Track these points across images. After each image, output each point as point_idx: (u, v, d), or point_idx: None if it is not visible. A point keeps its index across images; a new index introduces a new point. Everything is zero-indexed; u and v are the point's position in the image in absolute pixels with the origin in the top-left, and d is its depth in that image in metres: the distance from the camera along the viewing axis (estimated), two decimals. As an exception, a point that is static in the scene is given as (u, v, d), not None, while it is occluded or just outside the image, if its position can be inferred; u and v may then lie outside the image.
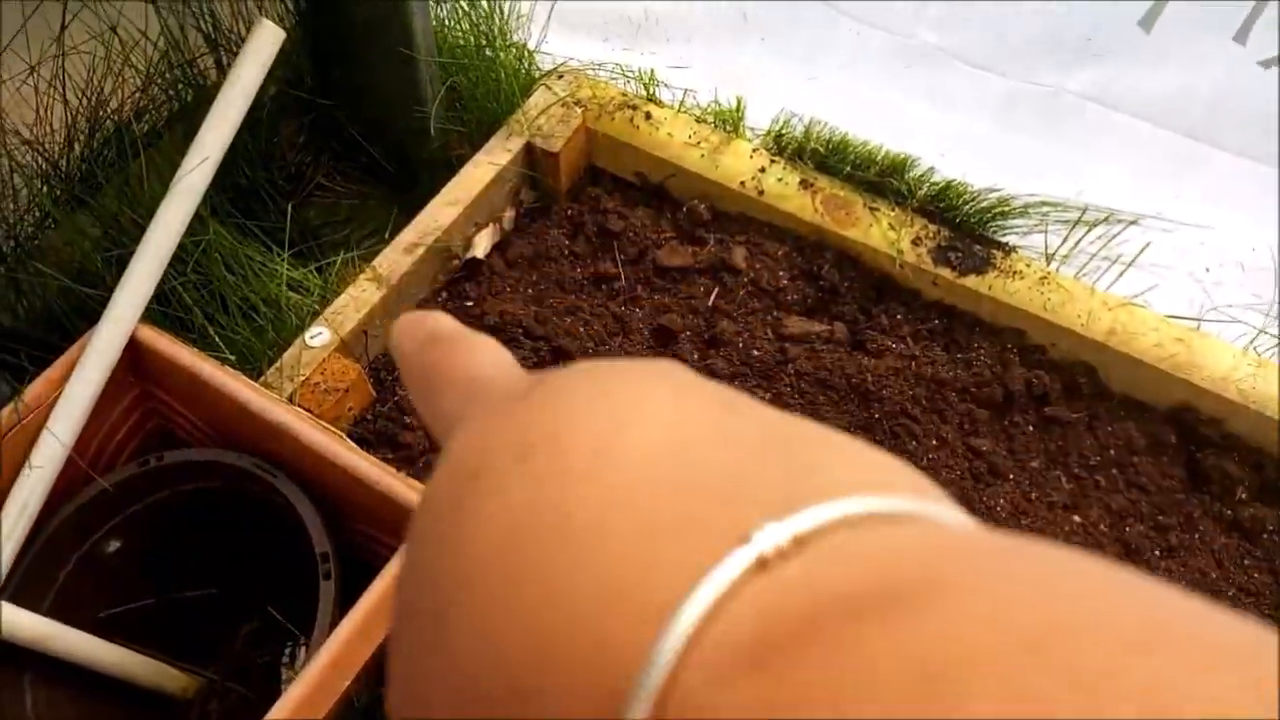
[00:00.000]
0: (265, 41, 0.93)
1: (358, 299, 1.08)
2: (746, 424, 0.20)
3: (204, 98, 1.19)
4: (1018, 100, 1.38)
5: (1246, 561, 0.98)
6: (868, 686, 0.13)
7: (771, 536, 0.16)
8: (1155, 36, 1.37)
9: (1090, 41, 1.39)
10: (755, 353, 1.11)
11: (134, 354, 0.94)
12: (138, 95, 1.17)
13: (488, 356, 0.28)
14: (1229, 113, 1.33)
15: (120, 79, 1.13)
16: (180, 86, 1.19)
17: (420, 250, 1.12)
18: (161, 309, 1.00)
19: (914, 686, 0.13)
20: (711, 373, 1.09)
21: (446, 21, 1.26)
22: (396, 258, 1.11)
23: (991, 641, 0.13)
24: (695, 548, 0.16)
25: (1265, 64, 1.28)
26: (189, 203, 0.89)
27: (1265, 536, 0.99)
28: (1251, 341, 1.02)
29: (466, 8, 1.22)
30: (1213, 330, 1.04)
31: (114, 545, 0.97)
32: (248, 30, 1.07)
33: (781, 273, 1.15)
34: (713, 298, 1.15)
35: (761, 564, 0.16)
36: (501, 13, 1.22)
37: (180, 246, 1.00)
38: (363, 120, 1.29)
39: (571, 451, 0.19)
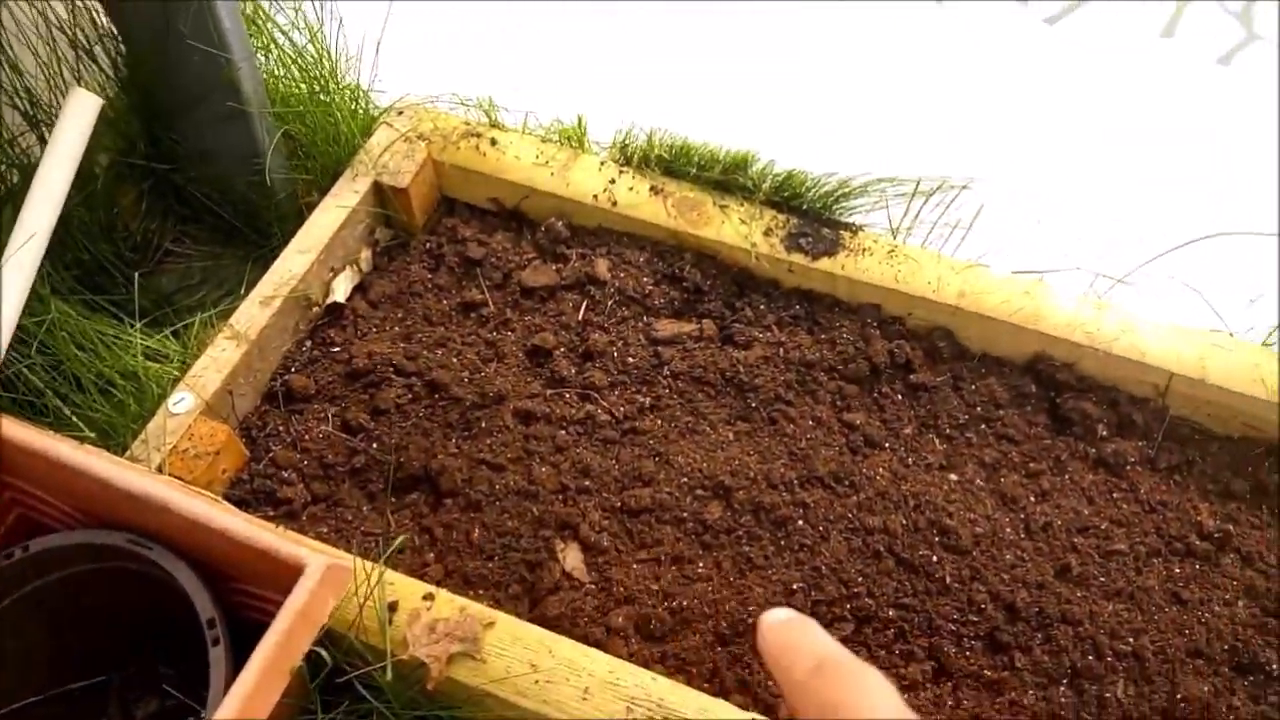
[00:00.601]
0: (83, 109, 0.90)
1: (218, 359, 1.06)
2: None
3: (31, 177, 1.15)
4: (840, 84, 1.43)
5: (1115, 494, 1.03)
6: None
7: None
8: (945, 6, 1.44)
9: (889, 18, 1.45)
10: (630, 359, 1.12)
11: (-17, 446, 0.90)
12: (-42, 182, 1.13)
13: (885, 706, 0.31)
14: (1022, 71, 1.40)
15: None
16: (3, 168, 1.15)
17: (278, 301, 1.10)
18: (9, 395, 0.96)
19: None
20: (590, 385, 1.10)
21: (276, 71, 1.24)
22: (254, 312, 1.09)
23: None
24: None
25: (1050, 21, 1.35)
26: (21, 281, 0.86)
27: (1128, 468, 1.04)
28: (1091, 284, 1.07)
29: (294, 55, 1.21)
30: (1054, 280, 1.09)
31: (-13, 645, 0.93)
32: (67, 100, 1.04)
33: (645, 279, 1.17)
34: (582, 311, 1.16)
35: None
36: (330, 56, 1.21)
37: (22, 328, 0.96)
38: (204, 181, 1.26)
39: None
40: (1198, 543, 0.99)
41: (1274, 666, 0.92)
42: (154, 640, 0.97)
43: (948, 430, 1.07)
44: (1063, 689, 0.92)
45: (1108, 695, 0.92)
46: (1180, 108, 1.55)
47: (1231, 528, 1.00)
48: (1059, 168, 1.28)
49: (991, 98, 1.39)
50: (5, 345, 0.86)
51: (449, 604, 0.90)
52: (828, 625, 0.95)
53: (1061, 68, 1.40)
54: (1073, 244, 1.14)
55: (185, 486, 0.90)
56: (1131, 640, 0.93)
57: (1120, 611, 0.95)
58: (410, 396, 1.10)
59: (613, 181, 1.19)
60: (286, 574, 0.83)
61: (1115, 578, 0.97)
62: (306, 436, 1.08)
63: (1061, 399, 1.07)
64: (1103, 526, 1.00)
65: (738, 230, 1.15)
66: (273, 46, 1.22)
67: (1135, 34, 1.65)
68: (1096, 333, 1.05)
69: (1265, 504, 1.03)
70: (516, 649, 0.87)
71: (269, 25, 1.21)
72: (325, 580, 0.83)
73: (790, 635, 0.35)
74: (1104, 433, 1.05)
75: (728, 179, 1.16)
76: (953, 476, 1.04)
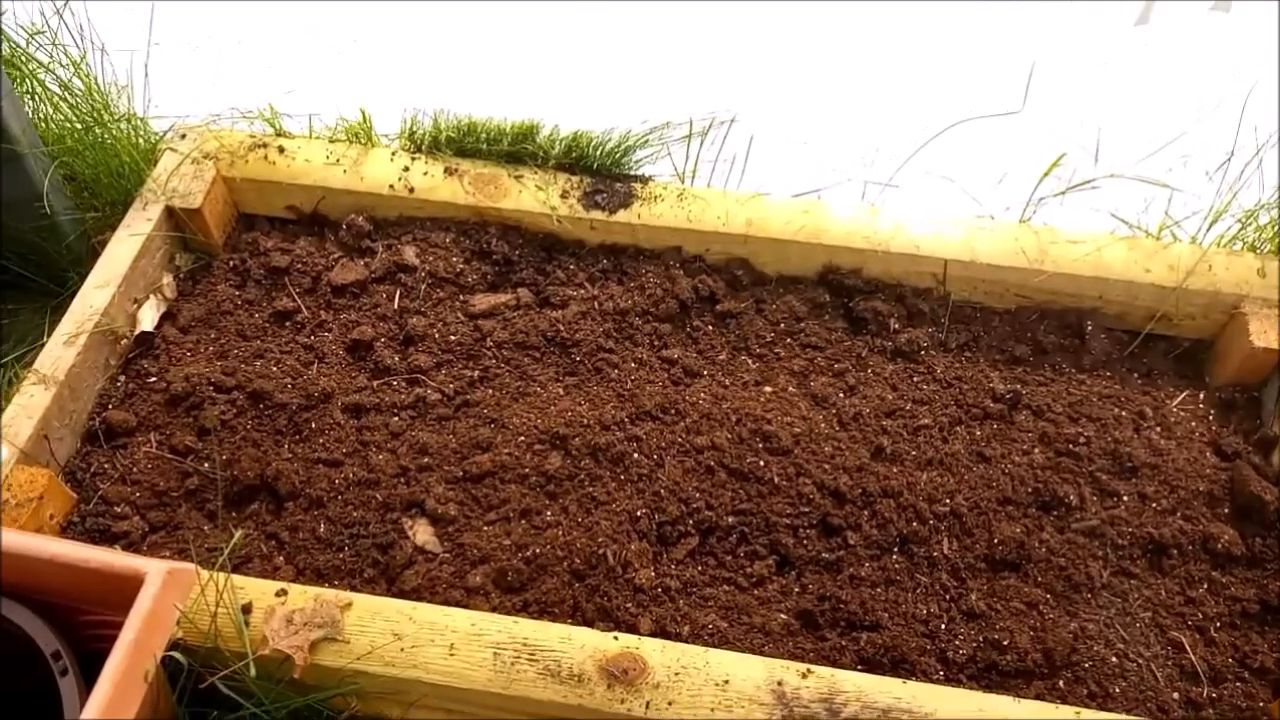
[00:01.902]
0: None
1: (27, 405, 1.03)
2: None
3: None
4: (604, 42, 1.48)
5: (915, 378, 1.12)
6: None
7: None
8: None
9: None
10: (452, 338, 1.15)
11: None
12: None
13: None
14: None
15: None
16: None
17: (82, 339, 1.08)
18: None
19: None
20: (416, 368, 1.12)
21: (46, 112, 1.21)
22: (59, 353, 1.07)
23: None
24: None
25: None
26: None
27: (922, 353, 1.13)
28: (862, 193, 1.16)
29: (61, 92, 1.19)
30: (829, 195, 1.17)
31: None
32: None
33: (455, 258, 1.20)
34: (396, 300, 1.18)
35: None
36: (99, 88, 1.19)
37: None
38: (-14, 235, 1.22)
39: None
40: (993, 406, 1.09)
41: (1072, 499, 1.02)
42: (10, 700, 0.94)
43: (757, 349, 1.14)
44: (895, 556, 0.99)
45: (935, 554, 0.99)
46: (895, 12, 1.64)
47: (1020, 388, 1.10)
48: (812, 90, 1.37)
49: (737, 34, 1.47)
50: None
51: (302, 595, 0.90)
52: (674, 543, 1.00)
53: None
54: (840, 158, 1.22)
55: (8, 528, 0.87)
56: (948, 501, 1.01)
57: (934, 478, 1.03)
58: (234, 411, 1.10)
59: (406, 169, 1.21)
60: (128, 589, 0.82)
61: (925, 450, 1.05)
62: (135, 469, 1.07)
63: (854, 302, 1.16)
64: (907, 408, 1.09)
65: (536, 197, 1.19)
66: (38, 87, 1.20)
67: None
68: (874, 236, 1.14)
69: (1046, 363, 1.13)
70: (377, 623, 0.89)
71: (30, 65, 1.19)
72: (168, 584, 0.82)
73: None
74: (896, 326, 1.14)
75: (518, 149, 1.20)
76: (768, 389, 1.10)
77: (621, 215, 1.18)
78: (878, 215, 1.15)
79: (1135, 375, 1.14)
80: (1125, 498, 1.03)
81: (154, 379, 1.13)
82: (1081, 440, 1.06)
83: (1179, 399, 1.11)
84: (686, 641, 0.91)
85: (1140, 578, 0.99)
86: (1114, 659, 0.94)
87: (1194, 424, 1.09)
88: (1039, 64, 1.23)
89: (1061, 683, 0.93)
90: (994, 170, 1.24)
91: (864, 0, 1.64)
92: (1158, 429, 1.09)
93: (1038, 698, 0.91)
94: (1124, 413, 1.10)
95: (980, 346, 1.14)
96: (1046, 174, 1.14)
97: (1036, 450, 1.06)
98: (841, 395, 1.10)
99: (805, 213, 1.16)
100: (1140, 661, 0.94)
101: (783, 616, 0.97)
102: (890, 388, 1.11)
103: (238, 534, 0.99)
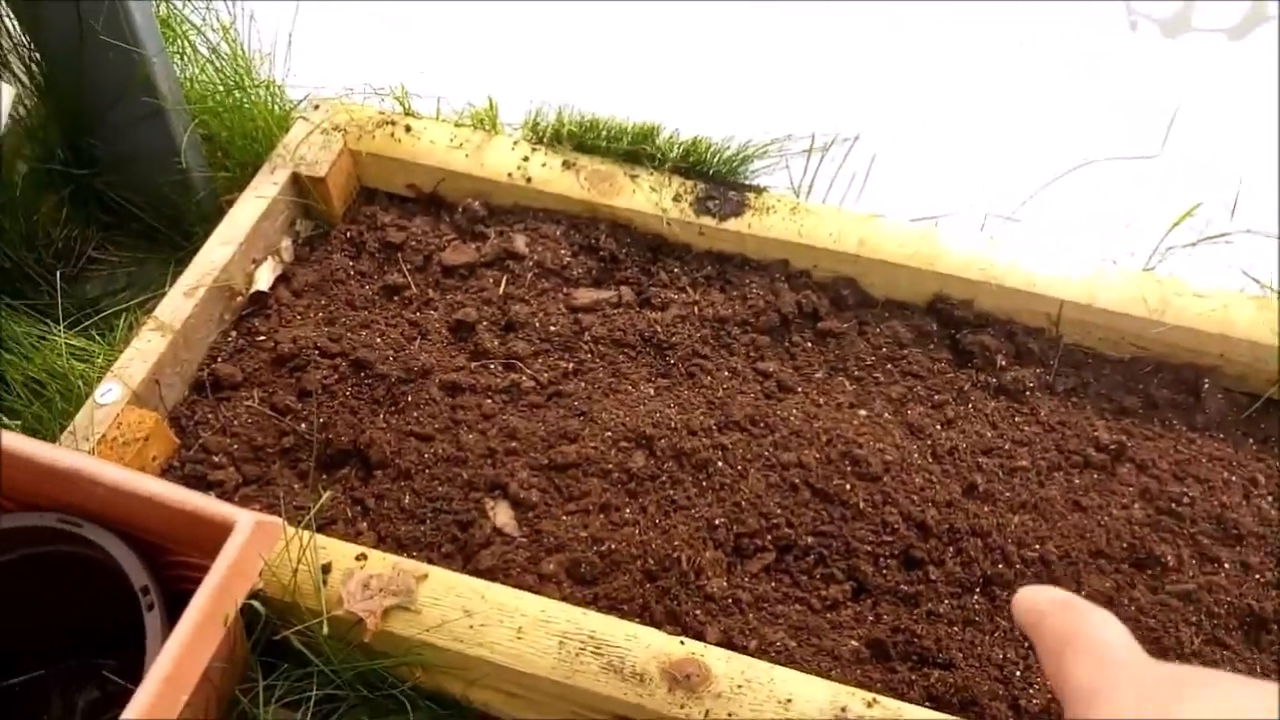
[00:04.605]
0: (-7, 100, 0.92)
1: (144, 350, 1.07)
2: None
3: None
4: (735, 51, 1.48)
5: (1017, 418, 1.09)
6: None
7: None
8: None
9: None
10: (552, 328, 1.16)
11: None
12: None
13: (1112, 635, 0.37)
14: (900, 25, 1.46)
15: None
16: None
17: (201, 292, 1.12)
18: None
19: None
20: (514, 354, 1.13)
21: (192, 73, 1.27)
22: (178, 303, 1.11)
23: None
24: None
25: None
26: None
27: (1027, 393, 1.10)
28: (981, 224, 1.13)
29: (209, 55, 1.24)
30: (947, 222, 1.15)
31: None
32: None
33: (563, 250, 1.21)
34: (502, 286, 1.19)
35: None
36: (244, 54, 1.24)
37: (-58, 325, 0.97)
38: (125, 185, 1.28)
39: None
40: (1095, 455, 1.05)
41: (1169, 559, 0.97)
42: (93, 630, 0.97)
43: (856, 371, 1.12)
44: (976, 596, 0.96)
45: (1020, 603, 0.96)
46: (1043, 44, 1.61)
47: (1126, 440, 1.06)
48: (939, 115, 1.35)
49: (871, 51, 1.45)
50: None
51: (381, 561, 0.92)
52: (750, 556, 0.99)
53: (933, 19, 1.47)
54: (962, 186, 1.20)
55: (108, 461, 0.91)
56: (1038, 547, 0.98)
57: (1026, 522, 1.00)
58: (336, 377, 1.12)
59: (526, 159, 1.23)
60: (218, 534, 0.85)
61: (1019, 491, 1.02)
62: (235, 422, 1.10)
63: (961, 334, 1.13)
64: (1006, 447, 1.06)
65: (649, 198, 1.19)
66: (188, 48, 1.25)
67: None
68: (989, 268, 1.11)
69: (1156, 417, 1.09)
70: (450, 598, 0.90)
71: (183, 27, 1.24)
72: (255, 535, 0.85)
73: (1042, 590, 0.43)
74: (1003, 363, 1.11)
75: (636, 150, 1.21)
76: (862, 412, 1.09)
77: (732, 223, 1.17)
78: (995, 248, 1.12)
79: (1250, 440, 1.08)
80: (1227, 565, 0.98)
81: (263, 337, 1.17)
82: (1185, 500, 1.02)
83: (1296, 470, 1.06)
84: (753, 655, 0.90)
85: (1234, 649, 0.94)
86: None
87: (1311, 499, 1.04)
88: (1183, 107, 1.19)
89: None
90: (1123, 214, 1.20)
91: (1006, 30, 1.61)
92: (1269, 498, 1.03)
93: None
94: (1234, 477, 1.05)
95: (1088, 393, 1.10)
96: (1178, 223, 1.10)
97: (1136, 506, 1.02)
98: (938, 427, 1.07)
99: (921, 238, 1.13)
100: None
101: (853, 643, 0.95)
102: (990, 425, 1.08)
103: (326, 494, 1.02)
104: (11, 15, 1.17)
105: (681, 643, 0.87)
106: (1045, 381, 1.11)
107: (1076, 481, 1.04)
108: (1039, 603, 0.41)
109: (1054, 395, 1.10)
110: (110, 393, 1.04)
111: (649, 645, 0.86)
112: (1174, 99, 1.33)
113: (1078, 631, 0.38)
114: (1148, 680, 0.33)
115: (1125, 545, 0.99)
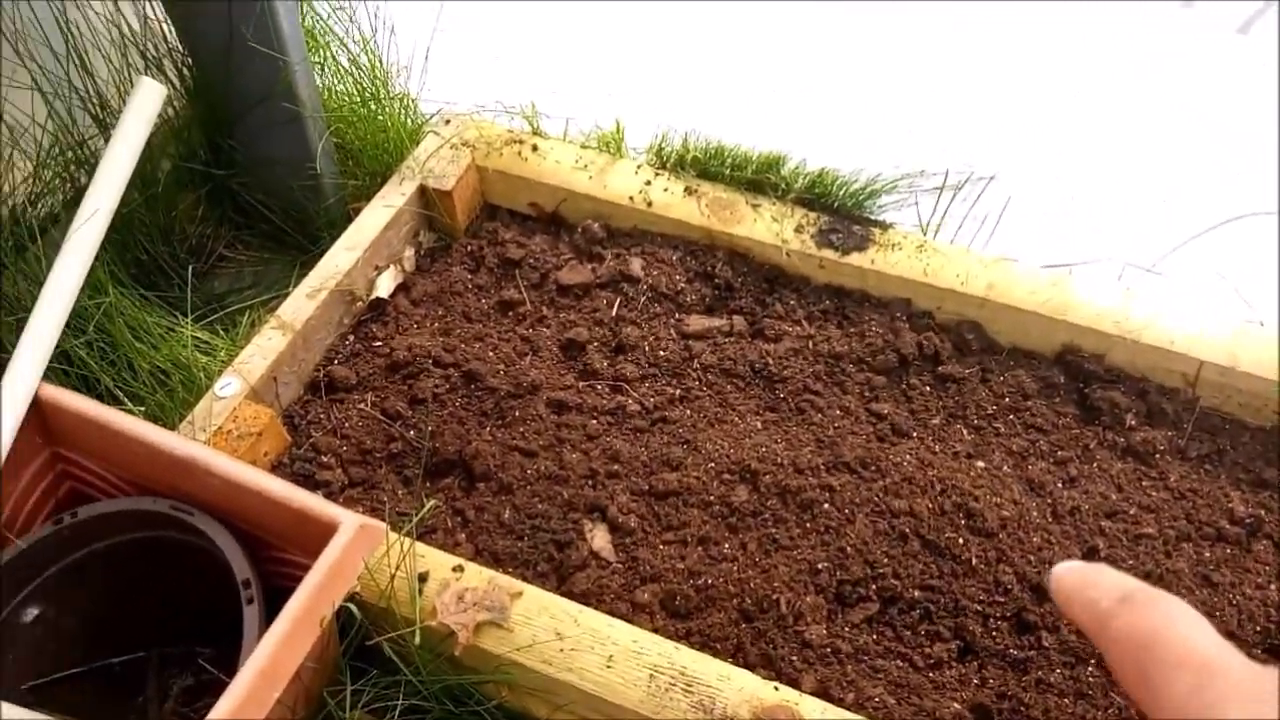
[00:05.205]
0: (147, 98, 0.96)
1: (264, 347, 1.10)
2: None
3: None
4: (866, 83, 1.46)
5: (1144, 482, 1.03)
6: None
7: None
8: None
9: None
10: (661, 353, 1.15)
11: (40, 415, 0.94)
12: (30, 181, 1.19)
13: (1202, 636, 0.33)
14: (1040, 60, 1.41)
15: (9, 164, 1.15)
16: (72, 169, 1.21)
17: (323, 295, 1.14)
18: (64, 369, 1.01)
19: None
20: (622, 376, 1.13)
21: (330, 82, 1.30)
22: (300, 304, 1.14)
23: None
24: None
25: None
26: (84, 256, 0.91)
27: (1157, 457, 1.04)
28: (1119, 274, 1.08)
29: (349, 65, 1.27)
30: (1081, 271, 1.10)
31: (31, 613, 0.96)
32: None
33: (678, 276, 1.20)
34: (615, 308, 1.19)
35: None
36: (382, 66, 1.27)
37: (81, 308, 1.01)
38: (259, 186, 1.32)
39: None
40: (1229, 528, 0.98)
41: (1309, 649, 0.90)
42: (193, 618, 0.99)
43: (975, 420, 1.08)
44: (1090, 669, 0.91)
45: (1139, 680, 0.90)
46: (1197, 87, 1.54)
47: (1263, 514, 0.99)
48: (1081, 157, 1.30)
49: (1012, 88, 1.41)
50: (65, 315, 0.91)
51: (478, 575, 0.92)
52: (853, 605, 0.95)
53: (1079, 56, 1.42)
54: (1100, 234, 1.15)
55: (223, 453, 0.93)
56: (1162, 622, 0.92)
57: (1150, 594, 0.94)
58: (447, 387, 1.13)
59: (648, 183, 1.22)
60: (322, 534, 0.86)
61: (1144, 560, 0.96)
62: (346, 424, 1.12)
63: (1090, 389, 1.07)
64: (1131, 512, 1.00)
65: (769, 228, 1.17)
66: (329, 58, 1.29)
67: (1151, 12, 1.64)
68: (1124, 322, 1.06)
69: (1300, 493, 1.01)
70: (543, 619, 0.89)
71: (326, 38, 1.28)
72: (358, 538, 0.85)
73: (1089, 574, 0.38)
74: (1133, 422, 1.05)
75: (760, 179, 1.19)
76: (980, 464, 1.04)
77: (854, 258, 1.14)
78: (1132, 301, 1.07)
79: (1404, 525, 1.00)
80: (1374, 659, 0.91)
81: (379, 343, 1.18)
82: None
83: None
84: (849, 709, 0.86)
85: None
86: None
87: None
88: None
89: None
90: (1272, 273, 1.13)
91: (1159, 73, 1.54)
92: None
93: None
94: (1382, 566, 0.97)
95: (1224, 461, 1.04)
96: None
97: (1273, 586, 0.95)
98: (1060, 485, 1.02)
99: (1053, 285, 1.09)
100: None
101: (956, 706, 0.90)
102: (1116, 487, 1.02)
103: (430, 503, 1.02)
104: (168, 19, 1.22)
105: (776, 689, 0.84)
106: (1177, 446, 1.04)
107: (1207, 555, 0.97)
108: (1093, 599, 0.36)
109: (1186, 461, 1.04)
110: (229, 386, 1.07)
111: (741, 688, 0.84)
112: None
113: (1158, 634, 0.33)
114: (1261, 689, 0.29)
115: (1259, 629, 0.92)
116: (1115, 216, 1.15)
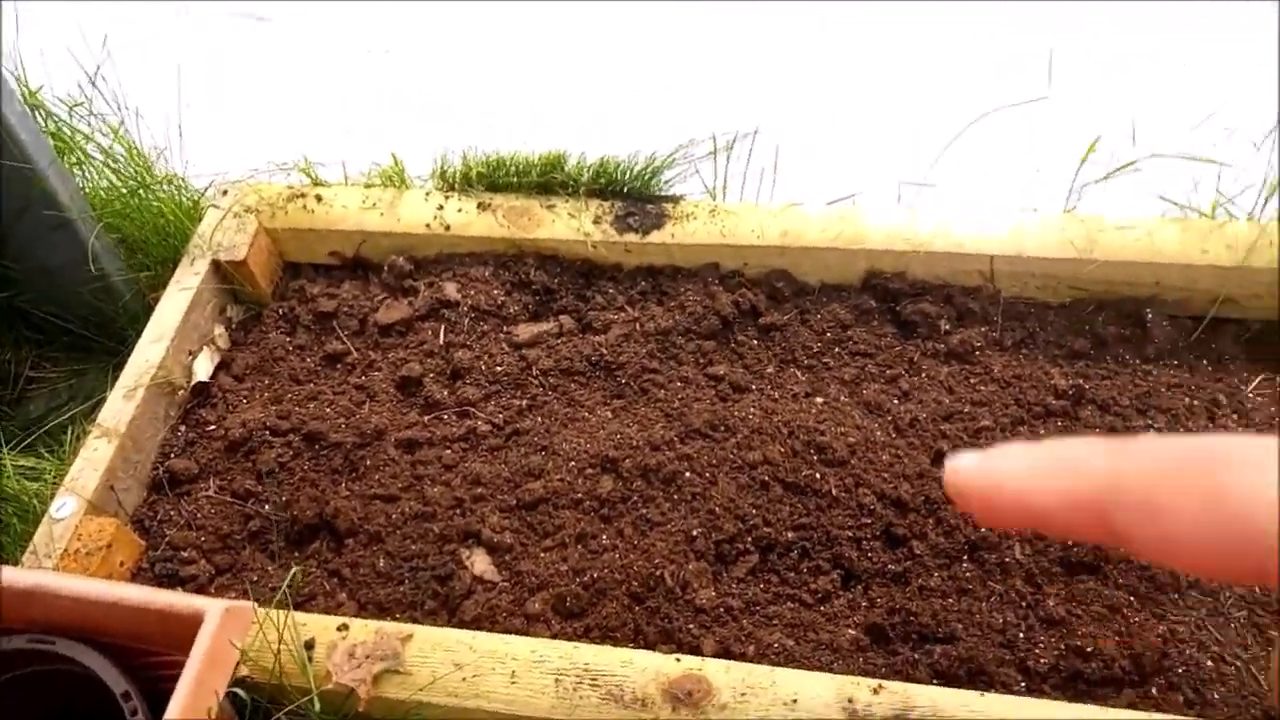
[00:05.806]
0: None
1: (92, 459, 1.05)
2: None
3: None
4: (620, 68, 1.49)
5: (971, 380, 1.09)
6: None
7: None
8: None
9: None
10: (499, 369, 1.15)
11: None
12: None
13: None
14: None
15: None
16: None
17: (140, 392, 1.10)
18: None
19: None
20: (465, 400, 1.13)
21: (93, 180, 1.25)
22: (119, 407, 1.09)
23: None
24: None
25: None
26: None
27: (977, 353, 1.11)
28: (897, 196, 1.14)
29: (104, 159, 1.22)
30: (863, 199, 1.16)
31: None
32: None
33: (496, 291, 1.20)
34: (441, 336, 1.19)
35: None
36: (140, 152, 1.23)
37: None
38: (47, 300, 1.26)
39: None
40: (1055, 402, 1.06)
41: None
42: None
43: (805, 360, 1.13)
44: (965, 564, 0.97)
45: (1007, 560, 0.96)
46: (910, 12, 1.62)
47: (1083, 382, 1.07)
48: (833, 96, 1.36)
49: (749, 49, 1.47)
50: None
51: (363, 628, 0.91)
52: (734, 562, 0.98)
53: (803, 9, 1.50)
54: (868, 161, 1.21)
55: (66, 574, 0.89)
56: (1010, 501, 0.98)
57: (994, 479, 1.00)
58: (291, 453, 1.11)
59: (440, 208, 1.23)
60: (189, 628, 0.83)
61: (983, 450, 1.03)
62: (199, 515, 1.08)
63: (901, 306, 1.14)
64: (966, 410, 1.06)
65: (569, 225, 1.19)
66: (82, 156, 1.23)
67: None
68: (915, 237, 1.12)
69: (1108, 355, 1.10)
70: (438, 654, 0.89)
71: (74, 136, 1.23)
72: (225, 622, 0.83)
73: (1012, 459, 0.29)
74: (947, 327, 1.12)
75: (547, 179, 1.21)
76: (819, 400, 1.09)
77: (655, 236, 1.18)
78: (917, 216, 1.14)
79: (1204, 362, 1.10)
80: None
81: (212, 427, 1.15)
82: (1153, 432, 1.03)
83: (1254, 383, 1.07)
84: (752, 661, 0.89)
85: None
86: (1209, 662, 0.90)
87: (1273, 408, 1.05)
88: (1058, 48, 1.21)
89: (1154, 690, 0.89)
90: (1030, 161, 1.22)
91: (869, 2, 1.63)
92: (1234, 416, 1.05)
93: (1130, 707, 0.87)
94: (1196, 402, 1.06)
95: (1037, 343, 1.11)
96: (1084, 159, 1.11)
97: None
98: (896, 402, 1.08)
99: (842, 219, 1.14)
100: (1238, 664, 0.90)
101: (851, 632, 0.94)
102: (946, 391, 1.08)
103: (294, 570, 1.00)
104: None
105: (678, 660, 0.86)
106: (992, 339, 1.12)
107: (1042, 432, 1.04)
108: (1068, 473, 0.27)
109: (1004, 351, 1.11)
110: (65, 507, 1.02)
111: (645, 668, 0.86)
112: (1045, 42, 1.34)
113: (1187, 443, 0.25)
114: None
115: (1094, 484, 0.99)
116: (877, 143, 1.21)
